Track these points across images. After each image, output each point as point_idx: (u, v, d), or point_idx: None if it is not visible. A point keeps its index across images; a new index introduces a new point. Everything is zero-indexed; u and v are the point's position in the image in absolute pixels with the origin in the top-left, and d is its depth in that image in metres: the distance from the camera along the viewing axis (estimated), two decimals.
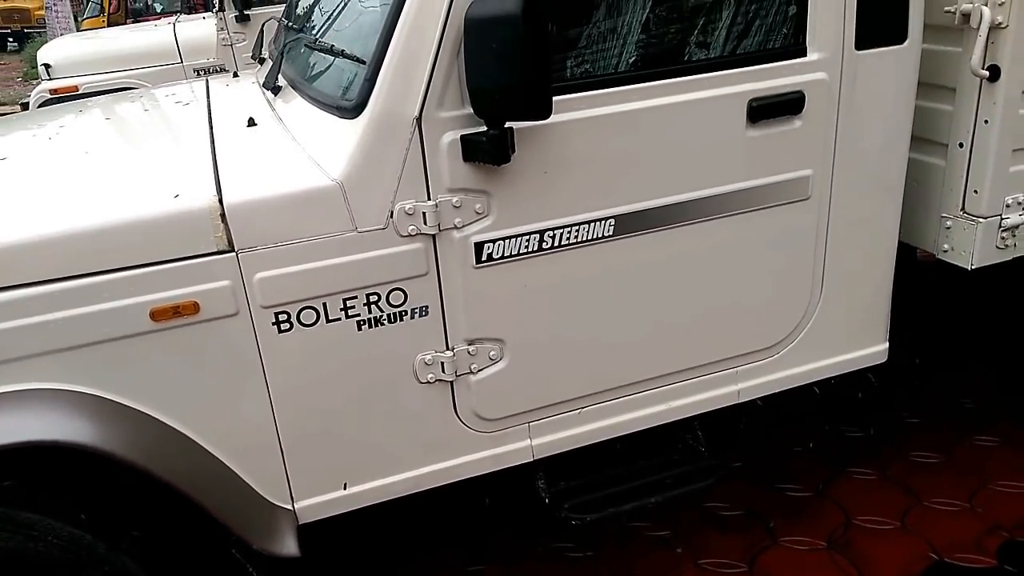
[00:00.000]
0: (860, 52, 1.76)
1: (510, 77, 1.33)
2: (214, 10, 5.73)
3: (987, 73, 1.81)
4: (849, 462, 2.69)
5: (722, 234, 1.80)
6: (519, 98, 1.36)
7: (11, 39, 18.38)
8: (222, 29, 5.58)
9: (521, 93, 1.35)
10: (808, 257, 1.92)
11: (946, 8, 1.84)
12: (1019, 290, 2.36)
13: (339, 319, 1.53)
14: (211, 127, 1.83)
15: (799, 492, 2.59)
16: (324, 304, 1.51)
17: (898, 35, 1.78)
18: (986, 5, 1.76)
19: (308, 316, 1.51)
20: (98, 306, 1.38)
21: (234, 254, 1.43)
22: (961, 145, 1.92)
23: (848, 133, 1.83)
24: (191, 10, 7.43)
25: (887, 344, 2.13)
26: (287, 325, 1.50)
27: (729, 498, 2.54)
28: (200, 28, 5.73)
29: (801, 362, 2.03)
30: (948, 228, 2.01)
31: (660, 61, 1.67)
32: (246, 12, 5.45)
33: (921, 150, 2.02)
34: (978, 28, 1.77)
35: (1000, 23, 1.75)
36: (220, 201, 1.42)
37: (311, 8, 2.02)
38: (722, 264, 1.84)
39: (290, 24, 2.14)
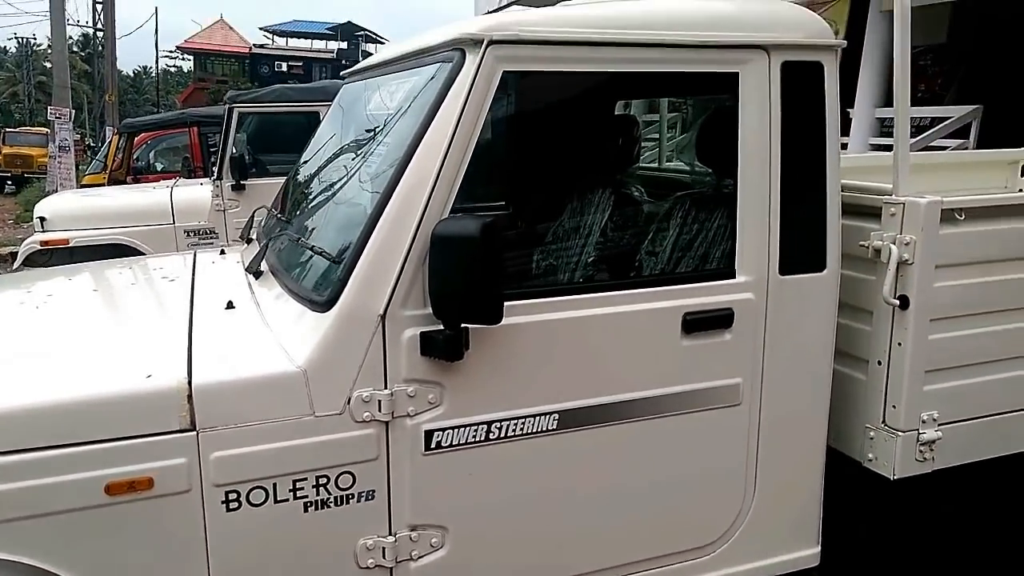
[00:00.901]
0: (783, 277, 1.98)
1: (466, 286, 1.51)
2: (212, 177, 6.12)
3: (897, 302, 2.03)
4: None
5: (660, 433, 1.92)
6: (473, 304, 1.52)
7: (10, 182, 19.07)
8: (217, 195, 5.93)
9: (475, 300, 1.52)
10: (740, 460, 2.03)
11: (861, 242, 2.09)
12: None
13: (287, 500, 1.59)
14: (192, 306, 1.97)
15: None
16: (274, 484, 1.58)
17: (817, 264, 2.01)
18: (894, 243, 2.01)
19: (257, 496, 1.57)
20: (56, 478, 1.44)
21: (195, 433, 1.52)
22: (880, 363, 2.11)
23: (775, 347, 2.01)
24: (190, 174, 7.88)
25: (819, 548, 2.20)
26: (236, 504, 1.56)
27: None
28: (196, 192, 6.07)
29: (735, 563, 2.08)
30: (871, 438, 2.15)
31: (606, 275, 1.88)
32: (242, 182, 5.82)
33: (847, 364, 2.20)
34: (888, 263, 2.01)
35: (907, 260, 2.00)
36: (189, 382, 1.53)
37: (298, 204, 2.24)
38: (659, 462, 1.95)
39: (279, 215, 2.36)
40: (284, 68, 37.59)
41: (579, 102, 2.09)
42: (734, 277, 1.95)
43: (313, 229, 2.00)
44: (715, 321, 1.92)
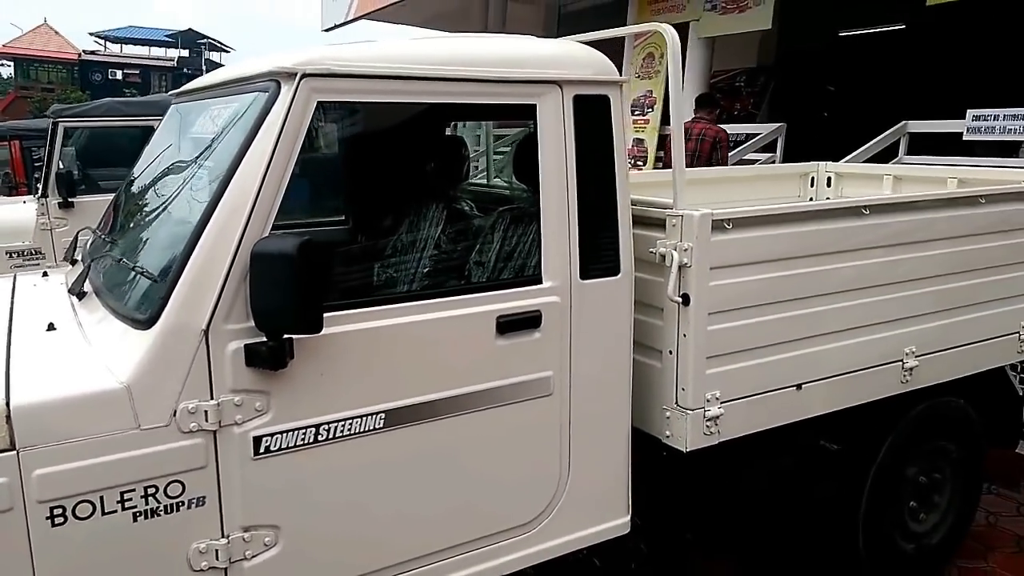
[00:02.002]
0: (584, 281, 2.25)
1: (285, 301, 1.64)
2: (36, 195, 5.77)
3: (680, 299, 2.35)
4: None
5: (480, 425, 2.13)
6: (292, 317, 1.66)
7: None
8: (43, 214, 5.61)
9: (294, 313, 1.65)
10: (555, 444, 2.28)
11: (650, 249, 2.40)
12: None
13: (115, 511, 1.65)
14: (10, 329, 1.96)
15: None
16: (101, 497, 1.63)
17: (613, 269, 2.30)
18: (675, 250, 2.33)
19: (84, 509, 1.62)
20: None
21: (15, 452, 1.55)
22: (671, 352, 2.42)
23: (580, 343, 2.27)
24: (11, 191, 7.34)
25: (629, 517, 2.49)
26: (61, 519, 1.60)
27: None
28: (18, 211, 5.71)
29: (556, 536, 2.33)
30: (668, 418, 2.47)
31: (426, 285, 2.06)
32: (70, 199, 5.55)
33: (647, 354, 2.51)
34: (671, 266, 2.33)
35: (686, 263, 2.32)
36: (7, 403, 1.56)
37: (123, 224, 2.27)
38: (481, 451, 2.15)
39: (102, 236, 2.37)
40: (119, 76, 35.27)
41: (402, 127, 2.27)
42: (541, 283, 2.19)
43: (136, 249, 2.05)
44: (525, 322, 2.15)
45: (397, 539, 2.05)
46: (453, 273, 2.18)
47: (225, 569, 1.80)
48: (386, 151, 2.34)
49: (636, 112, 8.82)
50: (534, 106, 2.13)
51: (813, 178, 4.82)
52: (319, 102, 1.80)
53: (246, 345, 1.73)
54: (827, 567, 3.30)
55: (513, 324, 2.13)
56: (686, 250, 2.31)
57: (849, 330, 2.69)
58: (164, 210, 2.03)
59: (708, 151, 6.33)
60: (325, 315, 1.80)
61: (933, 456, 3.24)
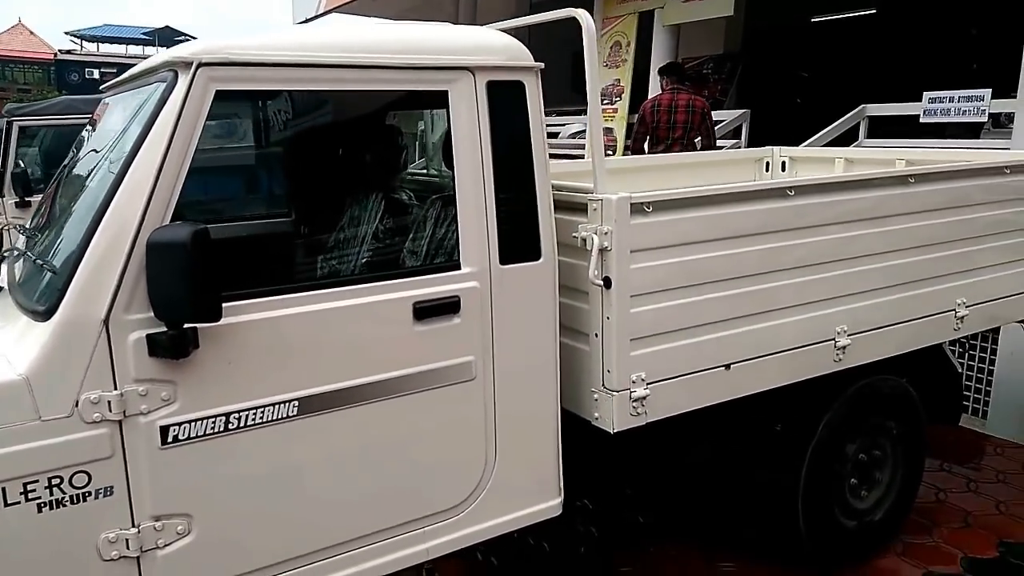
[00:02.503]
0: (504, 267, 2.27)
1: (181, 290, 1.65)
2: None
3: (602, 283, 2.38)
4: None
5: (400, 411, 2.15)
6: (189, 305, 1.67)
7: None
8: (1, 213, 5.59)
9: (190, 302, 1.66)
10: (480, 427, 2.30)
11: (573, 234, 2.42)
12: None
13: (18, 502, 1.66)
14: None
15: None
16: (3, 488, 1.64)
17: (533, 254, 2.32)
18: (596, 234, 2.35)
19: None
20: None
21: None
22: (596, 335, 2.45)
23: (503, 327, 2.29)
24: None
25: (561, 499, 2.52)
26: None
27: None
28: None
29: (484, 519, 2.36)
30: (596, 400, 2.49)
31: (341, 272, 2.07)
32: (27, 199, 5.52)
33: (575, 338, 2.53)
34: (591, 250, 2.35)
35: (607, 247, 2.35)
36: None
37: (39, 219, 2.28)
38: (403, 436, 2.18)
39: (26, 231, 2.37)
40: (96, 75, 34.94)
41: (310, 114, 2.28)
42: (460, 268, 2.21)
43: (45, 242, 2.06)
44: (444, 308, 2.17)
45: (318, 526, 2.07)
46: (368, 260, 2.20)
47: (137, 558, 1.82)
48: (296, 139, 2.34)
49: (605, 101, 8.83)
50: (446, 93, 2.14)
51: (768, 163, 4.86)
52: (218, 91, 1.81)
53: (148, 335, 1.74)
54: (773, 545, 3.35)
55: (431, 310, 2.15)
56: (606, 233, 2.34)
57: (777, 310, 2.72)
58: (71, 203, 2.03)
59: (699, 121, 6.28)
60: (231, 304, 1.82)
61: (873, 434, 3.29)
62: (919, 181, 3.01)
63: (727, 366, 2.66)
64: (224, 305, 1.80)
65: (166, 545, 1.85)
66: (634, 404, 2.46)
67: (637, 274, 2.40)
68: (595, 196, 2.36)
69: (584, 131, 9.33)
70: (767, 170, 4.84)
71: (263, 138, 2.33)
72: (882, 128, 6.56)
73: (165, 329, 1.73)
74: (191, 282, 1.64)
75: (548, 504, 2.49)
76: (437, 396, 2.20)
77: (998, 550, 3.46)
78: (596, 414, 2.50)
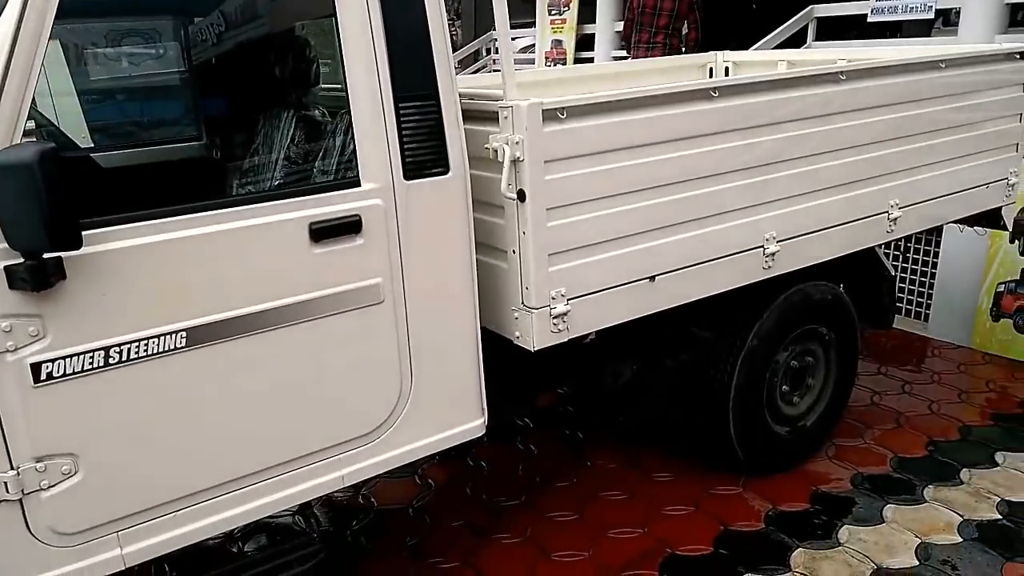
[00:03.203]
0: (410, 182, 2.15)
1: (32, 216, 1.51)
2: None
3: (513, 196, 2.27)
4: (496, 530, 3.03)
5: (304, 337, 2.05)
6: (44, 233, 1.53)
7: None
8: None
9: (44, 229, 1.52)
10: (392, 351, 2.22)
11: (485, 145, 2.29)
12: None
13: None
14: None
15: (447, 564, 2.85)
16: None
17: (441, 168, 2.20)
18: (507, 144, 2.22)
19: None
20: None
21: None
22: (513, 252, 2.36)
23: (412, 247, 2.19)
24: None
25: (484, 419, 2.48)
26: None
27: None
28: None
29: (403, 443, 2.31)
30: (516, 318, 2.42)
31: (223, 193, 1.93)
32: None
33: (493, 255, 2.44)
34: (503, 161, 2.23)
35: (519, 157, 2.23)
36: None
37: None
38: (309, 364, 2.09)
39: None
40: None
41: (208, 26, 2.09)
42: (360, 186, 2.08)
43: None
44: (343, 228, 2.05)
45: (219, 459, 2.00)
46: (259, 179, 2.06)
47: (20, 500, 1.73)
48: (177, 54, 2.16)
49: (553, 12, 8.53)
50: None
51: (712, 69, 4.72)
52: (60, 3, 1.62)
53: (5, 266, 1.61)
54: (706, 454, 3.39)
55: (329, 230, 2.03)
56: (517, 143, 2.21)
57: (702, 219, 2.65)
58: None
59: (686, 9, 5.98)
60: (99, 230, 1.69)
61: (805, 340, 3.30)
62: (850, 79, 2.91)
63: (652, 278, 2.59)
64: (91, 232, 1.67)
65: (51, 486, 1.76)
66: (555, 321, 2.40)
67: (553, 186, 2.29)
68: (505, 103, 2.22)
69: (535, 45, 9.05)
70: (711, 76, 4.70)
71: (141, 58, 2.14)
72: (833, 31, 6.41)
73: (22, 260, 1.59)
74: (42, 207, 1.50)
75: (470, 425, 2.45)
76: (343, 321, 2.11)
77: (927, 449, 3.55)
78: (517, 333, 2.44)
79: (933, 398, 4.06)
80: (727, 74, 4.63)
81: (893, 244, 5.06)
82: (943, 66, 3.22)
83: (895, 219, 3.24)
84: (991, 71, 3.48)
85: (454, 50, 10.12)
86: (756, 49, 5.85)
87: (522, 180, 2.25)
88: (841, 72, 2.89)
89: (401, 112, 2.09)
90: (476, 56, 9.85)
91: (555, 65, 8.22)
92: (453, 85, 2.19)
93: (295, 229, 1.98)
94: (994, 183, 3.67)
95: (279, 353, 2.03)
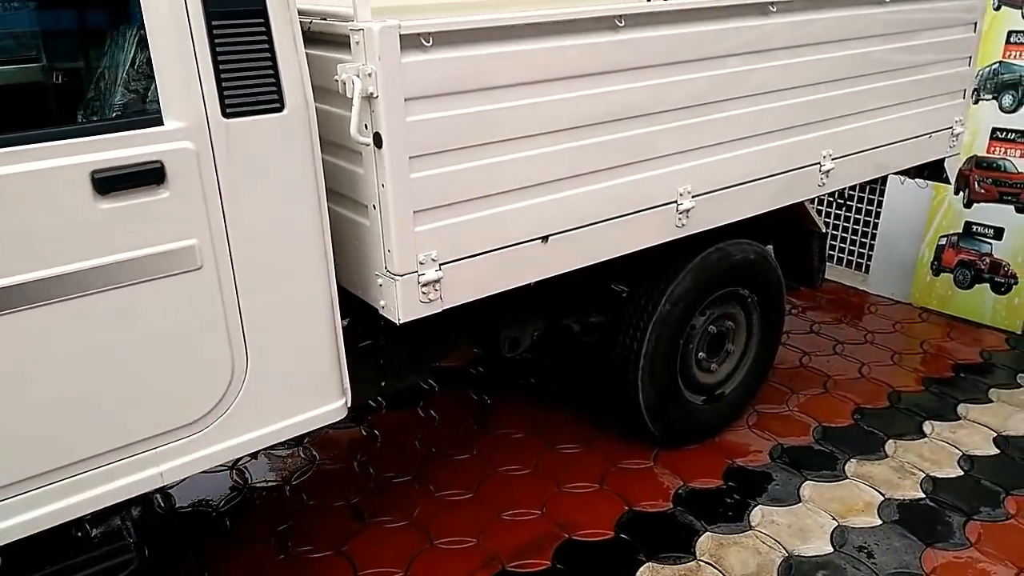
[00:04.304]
0: (230, 120, 1.74)
1: None
2: None
3: (367, 141, 1.89)
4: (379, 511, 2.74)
5: (100, 311, 1.67)
6: None
7: None
8: None
9: None
10: (217, 326, 1.86)
11: (335, 76, 1.89)
12: None
13: None
14: None
15: (317, 553, 2.56)
16: None
17: (273, 104, 1.79)
18: (358, 76, 1.83)
19: None
20: None
21: None
22: (374, 207, 1.99)
23: (238, 199, 1.80)
24: None
25: (345, 399, 2.15)
26: None
27: None
28: None
29: (239, 432, 1.96)
30: (380, 285, 2.07)
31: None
32: None
33: (353, 209, 2.07)
34: (352, 97, 1.84)
35: (372, 93, 1.84)
36: None
37: None
38: (108, 344, 1.71)
39: None
40: None
41: None
42: (163, 124, 1.68)
43: None
44: (138, 178, 1.65)
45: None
46: (20, 113, 1.64)
47: None
48: None
49: None
50: None
51: None
52: None
53: None
54: (615, 422, 3.13)
55: (118, 180, 1.62)
56: (369, 75, 1.82)
57: (603, 171, 2.30)
58: None
59: None
60: None
61: (724, 303, 3.02)
62: (781, 11, 2.55)
63: (544, 239, 2.25)
64: None
65: None
66: (424, 289, 2.05)
67: (417, 129, 1.91)
68: (355, 25, 1.82)
69: None
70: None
71: None
72: None
73: None
74: None
75: (327, 408, 2.11)
76: (148, 291, 1.73)
77: (853, 417, 3.35)
78: (382, 302, 2.09)
79: (864, 359, 3.85)
80: None
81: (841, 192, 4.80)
82: (887, 0, 2.87)
83: (827, 171, 2.93)
84: (939, 8, 3.15)
85: None
86: None
87: (377, 121, 1.86)
88: (771, 3, 2.53)
89: (216, 33, 1.68)
90: None
91: None
92: (289, 4, 1.77)
93: (72, 178, 1.58)
94: (937, 132, 3.38)
95: (66, 331, 1.65)
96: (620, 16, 2.18)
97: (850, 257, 5.01)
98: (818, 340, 4.07)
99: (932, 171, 3.57)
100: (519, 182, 2.14)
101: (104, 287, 1.67)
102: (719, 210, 2.65)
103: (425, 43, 1.87)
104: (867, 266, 4.88)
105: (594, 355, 2.92)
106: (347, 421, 3.26)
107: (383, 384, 2.44)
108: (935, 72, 3.26)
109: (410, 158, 1.92)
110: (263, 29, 1.74)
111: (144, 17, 1.60)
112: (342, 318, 2.09)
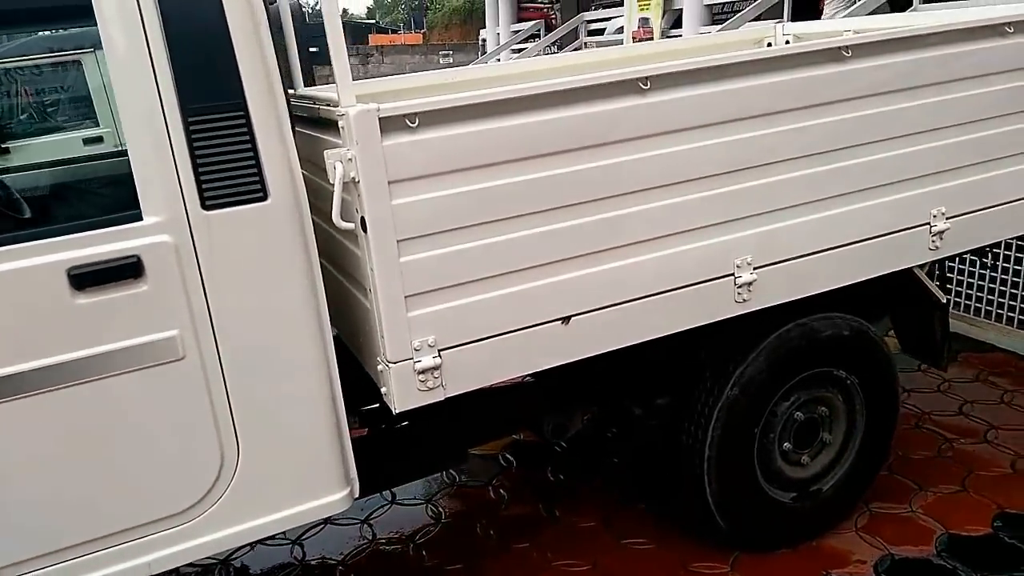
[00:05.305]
0: (211, 213, 1.75)
1: None
2: None
3: (350, 226, 1.82)
4: None
5: (79, 402, 1.71)
6: None
7: None
8: None
9: None
10: (203, 415, 1.84)
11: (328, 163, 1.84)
12: None
13: None
14: None
15: None
16: None
17: (256, 193, 1.78)
18: (341, 161, 1.78)
19: None
20: None
21: None
22: (370, 291, 1.91)
23: (223, 288, 1.79)
24: None
25: (350, 489, 2.06)
26: None
27: None
28: None
29: (230, 523, 1.92)
30: (380, 371, 1.97)
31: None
32: None
33: (361, 292, 2.01)
34: (334, 182, 1.78)
35: (354, 178, 1.77)
36: None
37: None
38: (89, 434, 1.75)
39: None
40: None
41: None
42: (141, 219, 1.71)
43: None
44: (115, 273, 1.68)
45: None
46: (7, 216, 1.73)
47: None
48: None
49: None
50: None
51: (770, 43, 4.00)
52: None
53: None
54: (689, 523, 2.79)
55: (95, 276, 1.66)
56: (350, 160, 1.76)
57: (632, 245, 2.07)
58: None
59: None
60: None
61: (814, 386, 2.61)
62: (857, 56, 2.21)
63: (564, 320, 2.06)
64: None
65: None
66: (421, 377, 1.93)
67: (406, 211, 1.82)
68: (339, 109, 1.77)
69: None
70: None
71: None
72: None
73: None
74: None
75: (328, 499, 2.03)
76: (130, 382, 1.75)
77: (992, 525, 2.75)
78: (384, 388, 1.99)
79: (1021, 449, 3.19)
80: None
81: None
82: (1010, 31, 2.41)
83: (940, 232, 2.48)
84: None
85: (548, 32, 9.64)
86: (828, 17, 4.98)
87: (361, 205, 1.79)
88: (845, 48, 2.20)
89: (193, 128, 1.69)
90: (575, 35, 9.24)
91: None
92: (272, 89, 1.76)
93: (50, 276, 1.64)
94: None
95: (48, 422, 1.70)
96: (646, 78, 1.97)
97: (996, 309, 4.21)
98: (965, 423, 3.44)
99: None
100: (529, 261, 1.97)
101: (85, 378, 1.71)
102: (791, 283, 2.30)
103: (411, 124, 1.78)
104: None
105: (662, 441, 2.63)
106: (416, 496, 3.21)
107: (402, 473, 2.32)
108: None
109: (399, 241, 1.83)
110: (242, 121, 1.73)
111: (123, 124, 1.64)
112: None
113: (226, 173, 1.74)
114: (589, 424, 2.62)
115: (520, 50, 9.56)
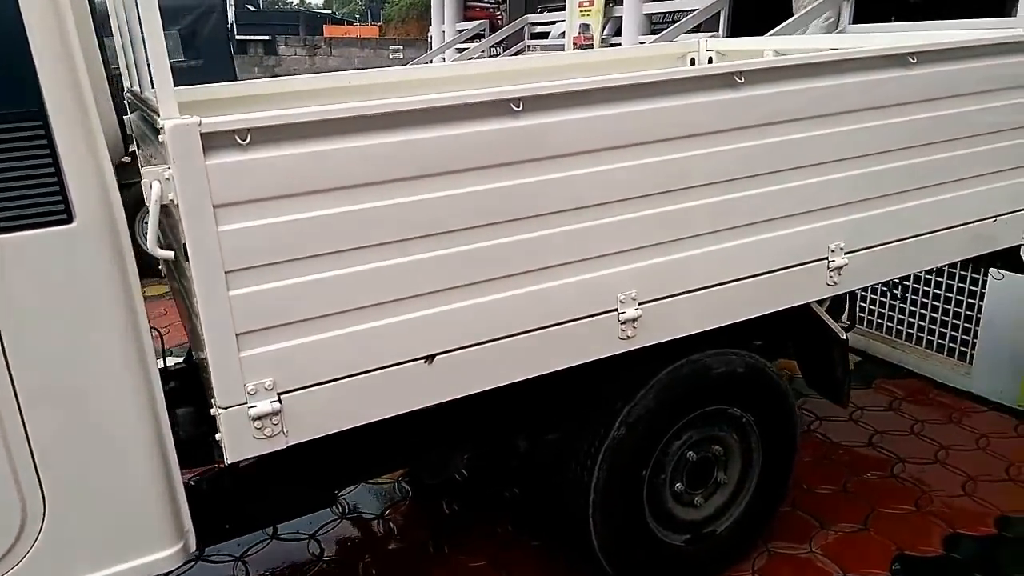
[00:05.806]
0: (4, 236, 1.52)
1: None
2: None
3: (168, 255, 1.62)
4: None
5: None
6: None
7: None
8: None
9: None
10: None
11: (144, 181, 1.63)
12: None
13: None
14: None
15: None
16: None
17: (59, 216, 1.56)
18: (159, 180, 1.57)
19: None
20: None
21: None
22: (198, 327, 1.70)
23: (18, 319, 1.56)
24: None
25: (184, 543, 1.84)
26: None
27: None
28: None
29: None
30: (214, 415, 1.76)
31: None
32: None
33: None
34: (150, 204, 1.57)
35: (172, 200, 1.56)
36: None
37: None
38: None
39: None
40: None
41: None
42: None
43: None
44: None
45: None
46: None
47: None
48: None
49: None
50: None
51: (693, 59, 3.88)
52: None
53: None
54: (581, 563, 2.64)
55: None
56: (168, 180, 1.55)
57: (507, 277, 1.90)
58: None
59: None
60: None
61: (708, 424, 2.48)
62: (751, 83, 2.08)
63: (428, 359, 1.88)
64: None
65: None
66: (258, 424, 1.73)
67: (236, 239, 1.61)
68: (159, 122, 1.56)
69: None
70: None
71: None
72: (878, 11, 5.35)
73: None
74: None
75: (158, 556, 1.80)
76: None
77: (891, 568, 2.67)
78: (217, 434, 1.78)
79: (926, 486, 3.13)
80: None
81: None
82: (913, 60, 2.32)
83: (838, 268, 2.37)
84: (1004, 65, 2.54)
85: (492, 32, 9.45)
86: (773, 34, 4.91)
87: (181, 232, 1.59)
88: (738, 74, 2.07)
89: None
90: (520, 37, 9.06)
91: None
92: (80, 95, 1.54)
93: None
94: (1007, 216, 2.71)
95: None
96: (517, 99, 1.80)
97: (951, 344, 4.15)
98: (874, 455, 3.38)
99: (1007, 260, 2.88)
100: (382, 295, 1.78)
101: None
102: (679, 319, 2.16)
103: (241, 141, 1.58)
104: (971, 354, 4.05)
105: (548, 480, 2.47)
106: (300, 530, 2.99)
107: (249, 522, 2.12)
108: (1004, 143, 2.62)
109: (227, 273, 1.62)
110: (41, 133, 1.51)
111: None
112: None
113: (19, 192, 1.52)
114: (468, 464, 2.45)
115: (463, 49, 9.40)
